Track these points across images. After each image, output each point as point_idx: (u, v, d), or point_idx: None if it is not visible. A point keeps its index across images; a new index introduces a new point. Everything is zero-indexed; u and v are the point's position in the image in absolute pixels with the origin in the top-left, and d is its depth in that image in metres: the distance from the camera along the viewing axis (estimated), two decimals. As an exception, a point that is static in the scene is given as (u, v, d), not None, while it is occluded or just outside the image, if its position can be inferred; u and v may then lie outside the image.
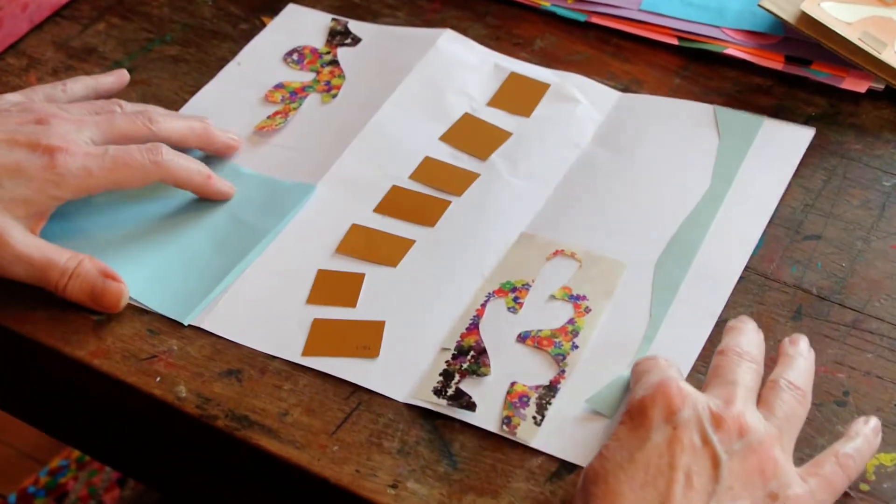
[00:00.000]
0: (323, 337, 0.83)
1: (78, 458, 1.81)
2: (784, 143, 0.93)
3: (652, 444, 0.70)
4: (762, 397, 0.75)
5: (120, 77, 0.97)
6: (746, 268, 0.85)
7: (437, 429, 0.78)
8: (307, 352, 0.82)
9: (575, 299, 0.84)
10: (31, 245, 0.83)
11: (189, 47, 1.04)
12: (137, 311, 0.85)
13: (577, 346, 0.81)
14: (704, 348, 0.81)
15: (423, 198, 0.91)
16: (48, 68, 1.02)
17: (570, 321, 0.82)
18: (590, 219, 0.89)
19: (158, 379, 0.81)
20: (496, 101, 0.98)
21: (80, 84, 0.94)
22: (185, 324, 0.84)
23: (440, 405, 0.78)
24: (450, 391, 0.79)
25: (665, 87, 0.98)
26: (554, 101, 0.97)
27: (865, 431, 0.75)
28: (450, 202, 0.91)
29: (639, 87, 0.98)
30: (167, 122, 0.90)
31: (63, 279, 0.83)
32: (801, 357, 0.77)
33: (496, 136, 0.95)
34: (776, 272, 0.85)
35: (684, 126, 0.94)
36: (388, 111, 0.97)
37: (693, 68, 1.00)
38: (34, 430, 0.99)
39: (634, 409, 0.72)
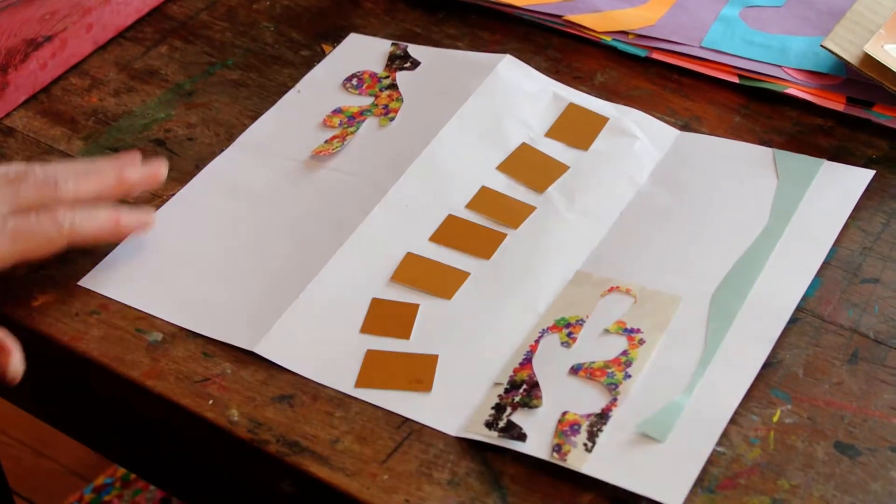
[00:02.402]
0: (376, 369, 0.83)
1: (123, 476, 1.81)
2: (843, 184, 0.92)
3: None
4: None
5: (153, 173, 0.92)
6: (803, 310, 0.85)
7: (488, 461, 0.78)
8: (360, 384, 0.82)
9: (629, 332, 0.83)
10: None
11: (250, 72, 1.04)
12: (192, 333, 0.85)
13: (629, 376, 0.81)
14: (757, 376, 0.80)
15: (479, 229, 0.91)
16: (110, 89, 1.03)
17: (624, 353, 0.82)
18: (645, 257, 0.88)
19: (211, 402, 0.82)
20: (554, 133, 0.98)
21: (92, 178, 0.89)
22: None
23: (491, 437, 0.78)
24: (501, 423, 0.79)
25: (725, 125, 0.98)
26: (612, 135, 0.97)
27: None
28: (506, 234, 0.90)
29: (698, 124, 0.98)
30: (77, 184, 0.86)
31: None
32: None
33: (553, 169, 0.95)
34: (833, 315, 0.85)
35: (743, 168, 0.94)
36: (446, 137, 0.97)
37: (753, 107, 0.99)
38: (80, 446, 0.99)
39: None
